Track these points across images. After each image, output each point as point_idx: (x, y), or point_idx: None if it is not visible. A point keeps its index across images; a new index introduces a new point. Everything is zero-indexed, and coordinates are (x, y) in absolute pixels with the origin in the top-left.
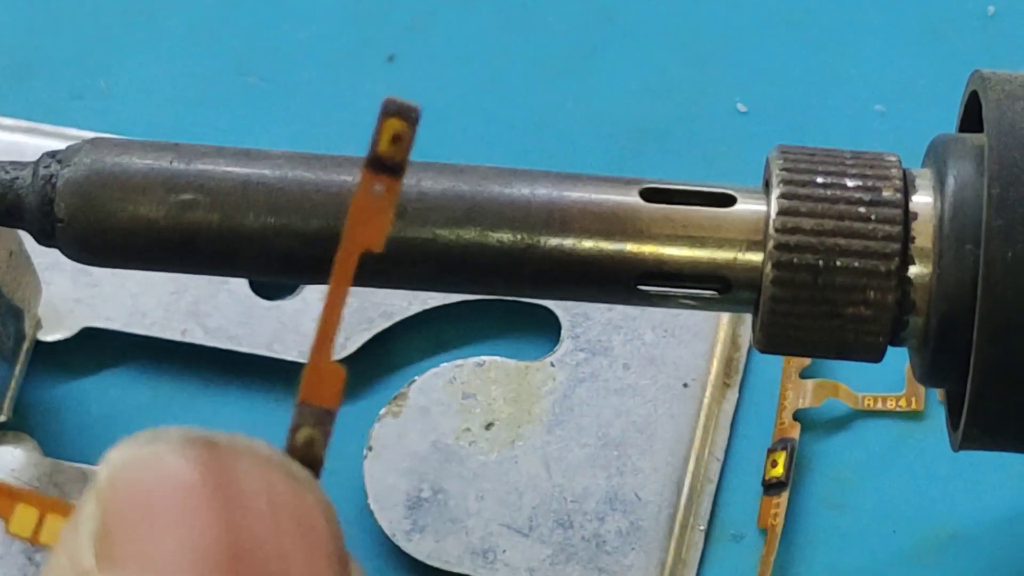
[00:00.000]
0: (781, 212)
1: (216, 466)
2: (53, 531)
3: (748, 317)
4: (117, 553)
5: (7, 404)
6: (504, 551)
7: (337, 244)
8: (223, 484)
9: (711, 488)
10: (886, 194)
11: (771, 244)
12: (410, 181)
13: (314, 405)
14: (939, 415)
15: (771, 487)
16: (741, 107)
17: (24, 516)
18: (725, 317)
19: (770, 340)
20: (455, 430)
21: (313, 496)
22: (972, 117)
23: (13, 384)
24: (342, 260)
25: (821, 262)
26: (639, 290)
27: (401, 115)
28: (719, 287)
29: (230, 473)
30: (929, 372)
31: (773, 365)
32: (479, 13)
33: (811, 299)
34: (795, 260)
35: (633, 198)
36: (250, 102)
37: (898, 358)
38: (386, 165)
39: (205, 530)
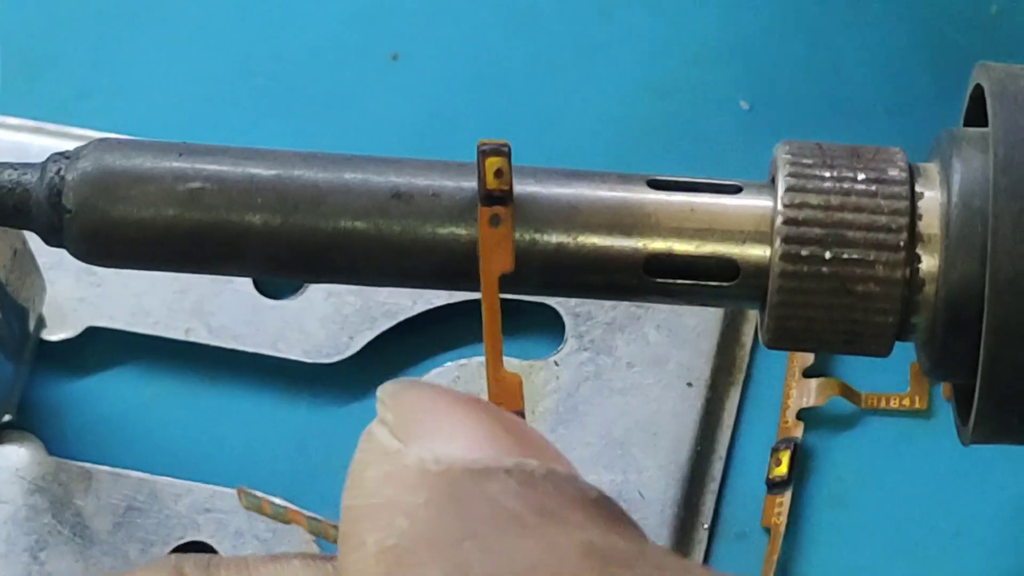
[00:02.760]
0: (789, 189)
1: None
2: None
3: (752, 317)
4: (410, 428)
5: (11, 403)
6: None
7: (343, 241)
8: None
9: (715, 487)
10: (892, 173)
11: (779, 220)
12: (416, 179)
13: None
14: (943, 414)
15: (775, 486)
16: (744, 105)
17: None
18: (729, 316)
19: (779, 327)
20: None
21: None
22: (976, 115)
23: (17, 383)
24: (487, 287)
25: (830, 238)
26: (647, 282)
27: (497, 153)
28: (728, 275)
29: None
30: (938, 363)
31: (777, 364)
32: (483, 12)
33: (819, 276)
34: (804, 234)
35: (640, 188)
36: (256, 101)
37: (903, 357)
38: (496, 197)
39: (472, 410)
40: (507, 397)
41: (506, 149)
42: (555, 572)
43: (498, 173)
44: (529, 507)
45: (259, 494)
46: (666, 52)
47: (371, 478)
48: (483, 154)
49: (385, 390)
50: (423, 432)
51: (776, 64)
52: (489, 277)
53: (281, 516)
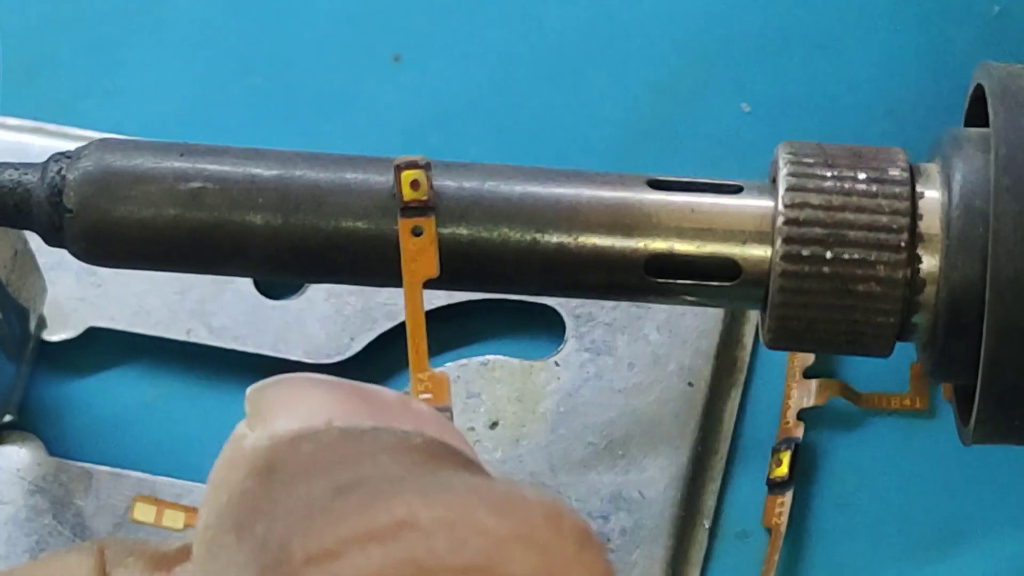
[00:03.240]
0: (789, 189)
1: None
2: (173, 518)
3: (752, 317)
4: (262, 414)
5: (12, 403)
6: None
7: (344, 241)
8: (352, 386)
9: (715, 487)
10: (892, 173)
11: (780, 220)
12: None
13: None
14: (944, 414)
15: (776, 486)
16: (745, 107)
17: (143, 508)
18: (730, 316)
19: (780, 327)
20: (460, 429)
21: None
22: (977, 115)
23: (18, 383)
24: (410, 293)
25: (831, 238)
26: (648, 281)
27: (413, 166)
28: (729, 276)
29: (361, 386)
30: (939, 363)
31: (777, 364)
32: (485, 13)
33: (820, 275)
34: (805, 234)
35: (641, 189)
36: (256, 102)
37: (903, 357)
38: (414, 209)
39: (336, 389)
40: (433, 394)
41: (423, 163)
42: (308, 510)
43: (414, 185)
44: (332, 458)
45: (159, 500)
46: (667, 54)
47: (218, 466)
48: (398, 168)
49: (251, 388)
50: (269, 418)
51: (777, 66)
52: (412, 284)
53: (176, 523)
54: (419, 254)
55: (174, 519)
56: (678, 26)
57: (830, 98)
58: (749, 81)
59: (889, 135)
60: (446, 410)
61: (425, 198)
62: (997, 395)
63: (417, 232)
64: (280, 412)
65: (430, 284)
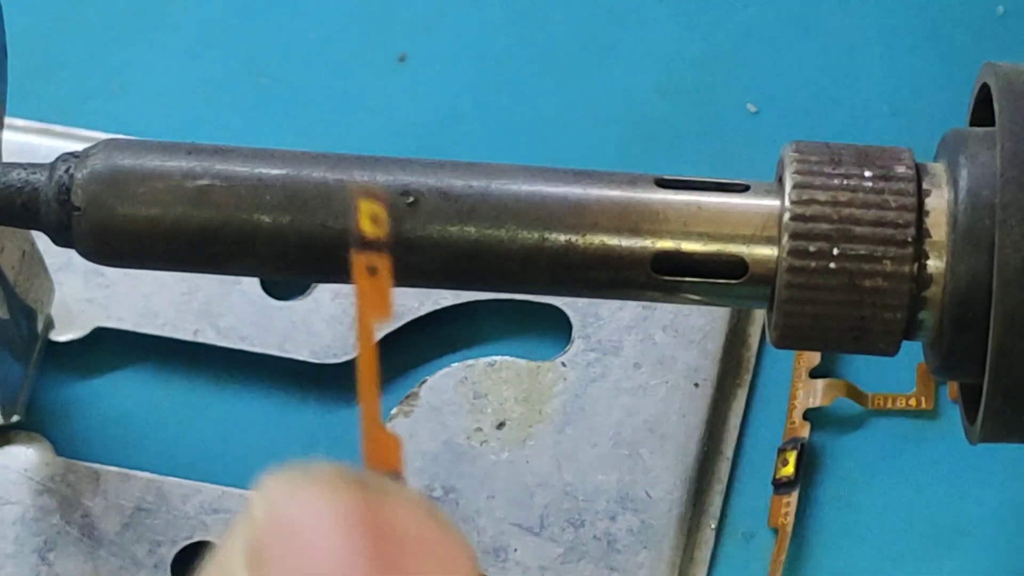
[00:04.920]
0: (796, 186)
1: (366, 504)
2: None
3: (758, 318)
4: (267, 570)
5: (20, 404)
6: (515, 550)
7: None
8: (373, 521)
9: (721, 487)
10: (899, 170)
11: (787, 216)
12: (424, 178)
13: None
14: (949, 414)
15: (781, 486)
16: (751, 107)
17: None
18: (736, 317)
19: (787, 325)
20: (466, 430)
21: (456, 538)
22: (982, 117)
23: (26, 384)
24: (363, 338)
25: (837, 234)
26: (655, 279)
27: (371, 194)
28: (736, 273)
29: (380, 511)
30: (946, 360)
31: (783, 364)
32: (490, 13)
33: (827, 271)
34: (812, 230)
35: (648, 187)
36: (262, 102)
37: (909, 357)
38: (369, 243)
39: (354, 556)
40: (384, 459)
41: (384, 196)
42: None
43: (375, 219)
44: None
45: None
46: (674, 55)
47: None
48: (354, 193)
49: (259, 495)
50: (276, 563)
51: (784, 67)
52: (366, 327)
53: None
54: (375, 294)
55: None
56: (685, 27)
57: (836, 99)
58: (756, 82)
59: (895, 136)
60: (398, 478)
61: (383, 237)
62: (1004, 388)
63: (372, 271)
64: (285, 563)
65: (434, 284)
